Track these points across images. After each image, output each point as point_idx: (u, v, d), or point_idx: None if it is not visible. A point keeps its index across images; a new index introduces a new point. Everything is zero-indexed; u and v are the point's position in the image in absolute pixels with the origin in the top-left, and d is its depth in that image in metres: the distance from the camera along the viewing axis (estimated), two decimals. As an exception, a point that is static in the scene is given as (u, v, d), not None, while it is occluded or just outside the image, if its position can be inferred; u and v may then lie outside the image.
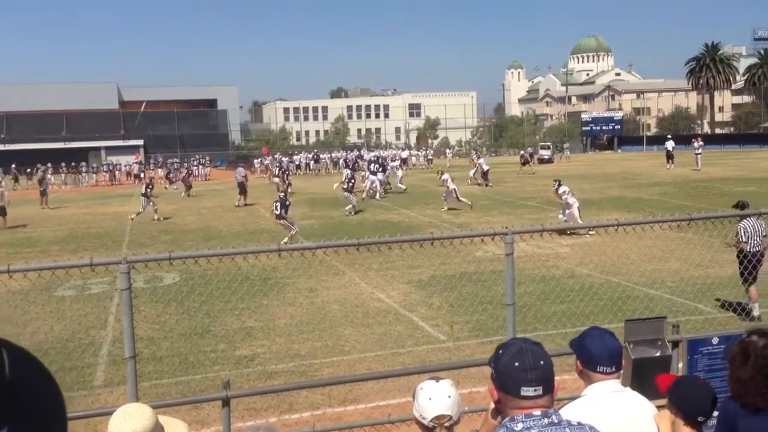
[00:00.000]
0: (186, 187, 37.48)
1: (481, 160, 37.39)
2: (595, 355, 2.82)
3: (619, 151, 71.02)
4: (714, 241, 12.32)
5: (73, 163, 57.73)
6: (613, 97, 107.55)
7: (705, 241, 10.76)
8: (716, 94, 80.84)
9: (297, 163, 57.98)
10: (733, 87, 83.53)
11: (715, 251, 11.01)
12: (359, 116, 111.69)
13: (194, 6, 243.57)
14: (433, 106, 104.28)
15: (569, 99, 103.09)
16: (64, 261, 5.91)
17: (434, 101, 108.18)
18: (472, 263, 14.11)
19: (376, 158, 42.68)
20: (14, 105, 69.75)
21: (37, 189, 34.61)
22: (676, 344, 4.70)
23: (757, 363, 2.64)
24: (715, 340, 4.64)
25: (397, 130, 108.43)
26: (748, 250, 9.85)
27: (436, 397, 2.62)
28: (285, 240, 18.01)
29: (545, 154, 56.75)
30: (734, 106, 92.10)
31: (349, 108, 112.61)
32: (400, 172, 35.73)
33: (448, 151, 70.58)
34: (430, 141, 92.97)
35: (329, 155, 62.81)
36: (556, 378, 2.39)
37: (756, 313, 9.89)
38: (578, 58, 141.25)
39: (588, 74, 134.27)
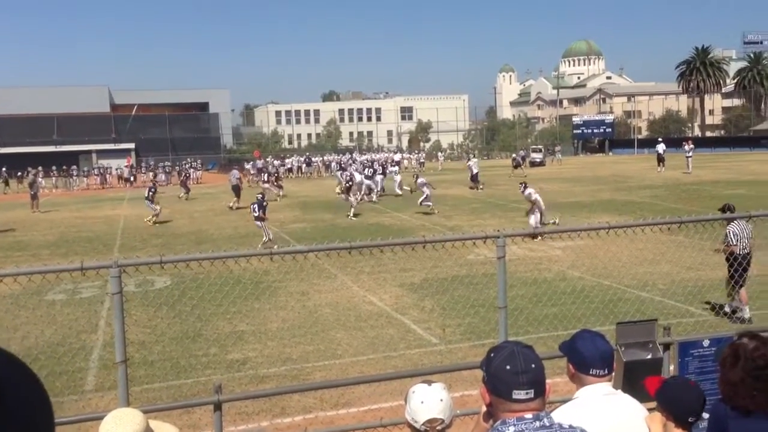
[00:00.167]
0: (185, 189, 37.52)
1: (471, 163, 37.48)
2: (588, 357, 2.82)
3: (611, 154, 71.30)
4: (705, 244, 12.39)
5: (64, 167, 57.48)
6: (604, 101, 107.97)
7: (696, 243, 10.81)
8: (707, 97, 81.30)
9: (289, 166, 57.97)
10: (724, 90, 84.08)
11: (705, 254, 11.07)
12: (351, 119, 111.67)
13: (186, 10, 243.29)
14: (425, 109, 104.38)
15: (560, 102, 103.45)
16: (55, 265, 5.90)
17: (426, 104, 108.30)
18: (464, 266, 14.12)
19: (370, 162, 42.72)
20: (5, 108, 69.40)
21: (28, 193, 34.45)
22: (667, 347, 4.72)
23: (747, 365, 2.65)
24: (705, 343, 4.66)
25: (389, 133, 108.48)
26: (738, 252, 9.91)
27: (428, 401, 2.62)
28: (261, 245, 17.92)
29: (537, 157, 56.90)
30: (724, 110, 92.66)
31: (341, 111, 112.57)
32: (398, 177, 35.78)
33: (440, 154, 70.69)
34: (422, 144, 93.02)
35: (321, 158, 62.82)
36: (548, 381, 2.39)
37: (746, 315, 9.94)
38: (569, 62, 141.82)
39: (579, 77, 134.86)
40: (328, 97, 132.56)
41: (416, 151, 71.36)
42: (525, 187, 20.29)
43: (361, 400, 7.57)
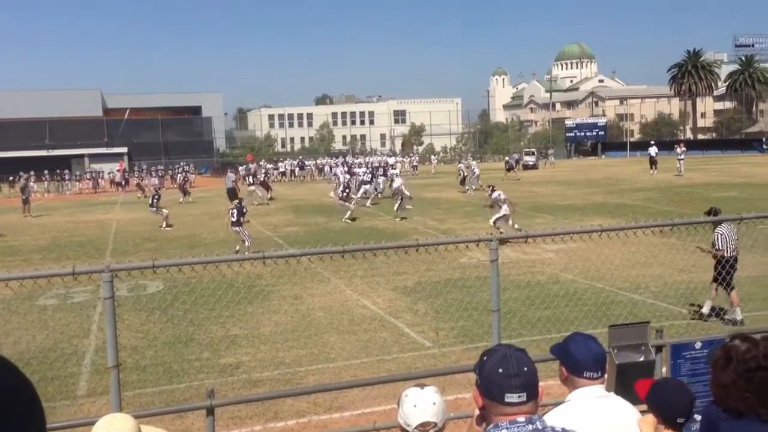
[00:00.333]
0: (184, 193, 37.54)
1: (461, 165, 37.60)
2: (581, 360, 2.83)
3: (603, 156, 71.52)
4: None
5: (58, 170, 57.35)
6: (596, 104, 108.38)
7: (688, 246, 10.85)
8: (698, 100, 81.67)
9: (282, 170, 58.01)
10: (715, 93, 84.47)
11: (698, 256, 11.09)
12: (344, 123, 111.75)
13: (179, 13, 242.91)
14: (418, 113, 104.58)
15: (553, 105, 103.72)
16: (46, 270, 5.87)
17: (419, 108, 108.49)
18: (457, 270, 14.13)
19: (371, 165, 43.03)
20: (-3, 112, 69.22)
21: (20, 197, 34.32)
22: (659, 349, 4.73)
23: (739, 367, 2.65)
24: (698, 345, 4.67)
25: (382, 136, 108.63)
26: (727, 255, 9.96)
27: (421, 404, 2.62)
28: (237, 248, 17.84)
29: (530, 160, 57.08)
30: (716, 112, 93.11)
31: (334, 115, 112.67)
32: (398, 180, 35.78)
33: (433, 157, 70.80)
34: (415, 147, 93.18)
35: (314, 162, 62.85)
36: (542, 383, 2.39)
37: (738, 317, 9.97)
38: (562, 65, 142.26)
39: (572, 81, 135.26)
40: (321, 100, 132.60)
41: (409, 155, 71.46)
42: (493, 190, 20.62)
43: (354, 403, 7.55)
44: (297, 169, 57.91)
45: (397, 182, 35.06)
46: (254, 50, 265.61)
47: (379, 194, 33.34)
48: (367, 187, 31.98)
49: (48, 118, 70.81)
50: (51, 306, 13.03)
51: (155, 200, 26.33)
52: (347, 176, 35.86)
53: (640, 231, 6.25)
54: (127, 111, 77.87)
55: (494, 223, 19.13)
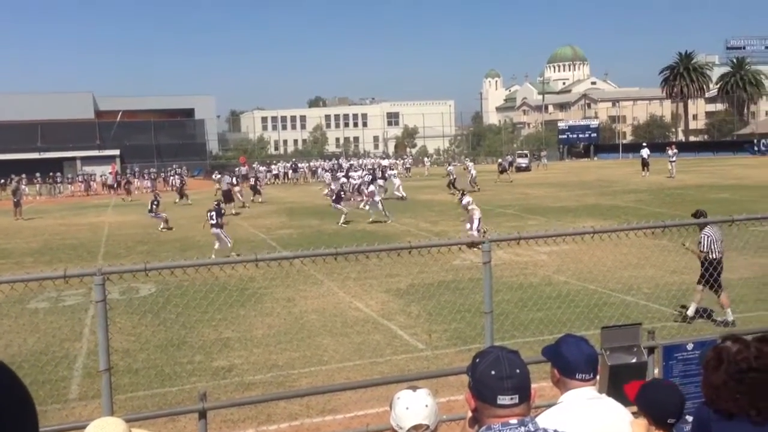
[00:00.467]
0: (180, 196, 37.51)
1: (450, 168, 37.65)
2: (573, 362, 2.83)
3: (596, 158, 71.70)
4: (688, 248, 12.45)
5: (51, 173, 57.15)
6: (589, 106, 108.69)
7: (680, 247, 10.88)
8: (690, 102, 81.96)
9: (275, 172, 57.99)
10: (707, 95, 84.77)
11: (689, 258, 11.13)
12: (337, 125, 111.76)
13: (171, 16, 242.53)
14: (411, 115, 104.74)
15: (546, 107, 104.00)
16: (38, 273, 5.84)
17: (412, 110, 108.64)
18: (450, 272, 14.14)
19: (371, 168, 43.27)
20: (-12, 115, 68.88)
21: (11, 200, 34.17)
22: (651, 350, 4.73)
23: (730, 368, 2.66)
24: (690, 346, 4.68)
25: (376, 138, 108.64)
26: (713, 257, 10.01)
27: (413, 407, 2.62)
28: (212, 254, 17.73)
29: (523, 162, 57.23)
30: (708, 114, 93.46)
31: (327, 117, 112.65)
32: (397, 180, 35.88)
33: (426, 159, 70.88)
34: (408, 149, 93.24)
35: (307, 164, 62.83)
36: (534, 385, 2.40)
37: (730, 318, 10.01)
38: (554, 67, 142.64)
39: (564, 83, 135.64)
40: (315, 103, 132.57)
41: (402, 157, 71.53)
42: (462, 196, 20.80)
43: (347, 406, 7.54)
44: (290, 171, 57.90)
45: (396, 182, 35.28)
46: (247, 52, 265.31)
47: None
48: (372, 188, 32.06)
49: (40, 120, 70.47)
50: (42, 309, 12.98)
51: (155, 206, 26.10)
52: (338, 181, 35.93)
53: (632, 233, 6.27)
54: (120, 113, 77.60)
55: (477, 231, 18.94)
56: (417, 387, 2.74)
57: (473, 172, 37.98)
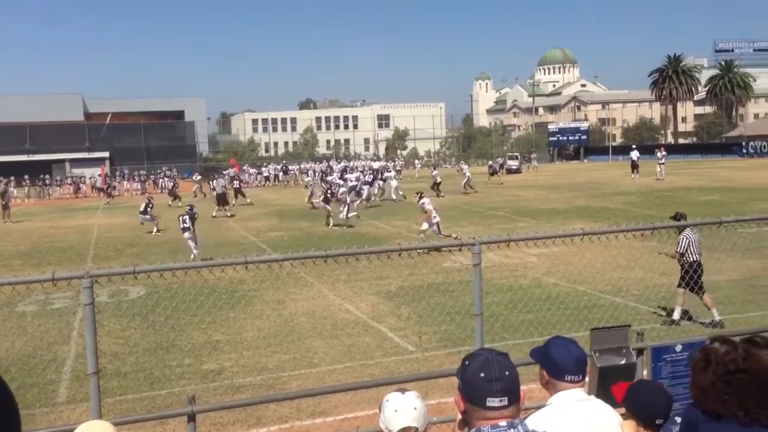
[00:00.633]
0: (173, 197, 37.42)
1: (435, 172, 37.71)
2: (562, 364, 2.83)
3: (586, 161, 71.97)
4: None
5: (40, 176, 56.86)
6: (579, 108, 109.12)
7: (668, 249, 10.93)
8: (679, 104, 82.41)
9: (266, 174, 57.92)
10: (695, 98, 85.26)
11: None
12: (328, 127, 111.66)
13: (161, 17, 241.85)
14: (402, 117, 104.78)
15: (536, 110, 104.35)
16: (25, 276, 5.79)
17: (403, 112, 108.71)
18: (441, 274, 14.15)
19: (371, 170, 43.58)
20: (-24, 117, 68.40)
21: (-1, 202, 33.96)
22: (640, 352, 4.75)
23: (718, 369, 2.66)
24: (678, 348, 4.70)
25: (366, 141, 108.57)
26: (692, 259, 10.06)
27: (402, 409, 2.61)
28: (192, 256, 17.60)
29: (513, 164, 57.42)
30: (696, 117, 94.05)
31: (318, 119, 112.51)
32: (394, 182, 35.94)
33: (416, 161, 70.93)
34: (399, 152, 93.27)
35: (298, 167, 62.77)
36: (524, 387, 2.40)
37: (717, 318, 10.05)
38: (545, 70, 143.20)
39: (554, 85, 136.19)
40: (305, 105, 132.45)
41: (393, 160, 71.55)
42: (420, 197, 20.95)
43: (337, 408, 7.53)
44: (281, 173, 57.82)
45: (394, 184, 35.37)
46: (238, 54, 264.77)
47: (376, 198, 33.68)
48: (369, 188, 32.75)
49: (28, 122, 70.04)
50: (30, 312, 12.90)
51: (149, 208, 25.89)
52: (325, 184, 36.26)
53: (622, 234, 6.29)
54: (109, 115, 77.21)
55: (438, 231, 19.11)
56: (406, 389, 2.73)
57: (468, 174, 38.07)
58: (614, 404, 3.01)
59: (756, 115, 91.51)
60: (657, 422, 2.94)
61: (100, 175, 57.98)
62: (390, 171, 43.45)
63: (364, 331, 10.87)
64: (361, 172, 41.89)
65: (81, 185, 56.79)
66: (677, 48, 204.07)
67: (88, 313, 4.53)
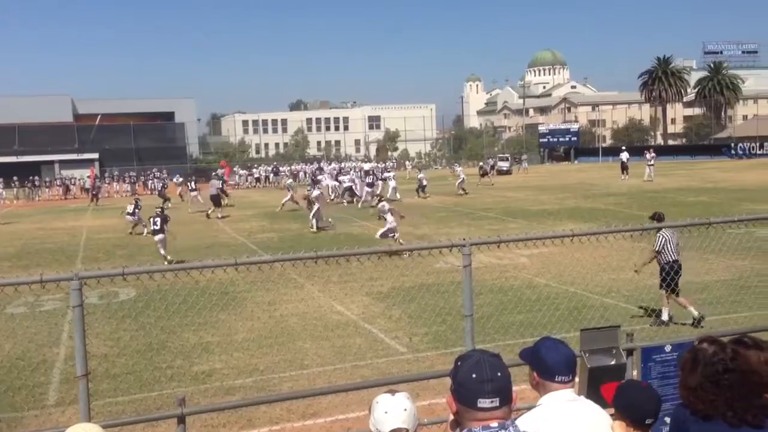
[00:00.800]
0: (164, 199, 37.26)
1: (421, 175, 37.75)
2: (552, 365, 2.84)
3: (576, 162, 72.20)
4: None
5: (29, 177, 56.53)
6: (569, 110, 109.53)
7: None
8: (668, 106, 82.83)
9: (257, 175, 57.84)
10: (685, 99, 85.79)
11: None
12: (319, 129, 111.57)
13: (150, 18, 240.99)
14: (393, 119, 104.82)
15: (527, 111, 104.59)
16: (14, 278, 5.76)
17: (394, 113, 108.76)
18: (432, 275, 14.15)
19: (372, 171, 43.84)
20: (-36, 118, 67.93)
21: (-12, 204, 33.78)
22: (630, 352, 4.76)
23: (706, 370, 2.68)
24: (668, 348, 4.72)
25: (357, 142, 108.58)
26: (671, 259, 10.11)
27: (392, 411, 2.61)
28: (168, 259, 17.48)
29: (504, 165, 57.56)
30: (686, 118, 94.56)
31: (309, 120, 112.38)
32: (393, 183, 35.96)
33: (407, 163, 70.99)
34: (389, 153, 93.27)
35: (289, 168, 62.70)
36: (516, 388, 2.40)
37: (696, 314, 10.11)
38: (535, 71, 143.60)
39: (544, 87, 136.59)
40: (296, 106, 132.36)
41: (385, 161, 71.61)
42: (379, 201, 21.21)
43: (328, 410, 7.52)
44: (271, 175, 57.76)
45: (392, 184, 35.41)
46: (228, 56, 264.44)
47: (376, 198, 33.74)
48: (369, 189, 32.98)
49: (17, 123, 69.61)
50: (19, 314, 12.81)
51: (137, 210, 25.72)
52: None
53: (612, 235, 6.31)
54: (98, 117, 76.74)
55: (380, 236, 18.74)
56: (396, 391, 2.73)
57: (462, 176, 38.14)
58: (604, 405, 3.02)
59: (744, 117, 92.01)
60: (646, 422, 2.95)
61: (89, 177, 57.70)
62: (390, 171, 43.49)
63: (355, 332, 10.87)
64: (353, 173, 42.05)
65: (71, 187, 56.49)
66: (666, 50, 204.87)
67: (77, 315, 4.51)
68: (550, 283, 13.38)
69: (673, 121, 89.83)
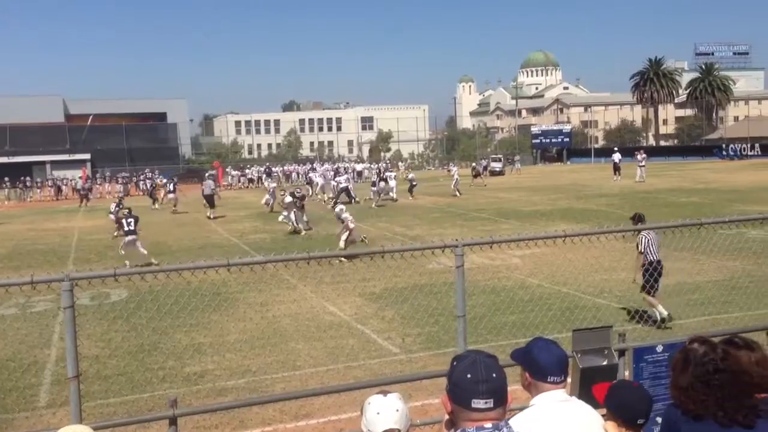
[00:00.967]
0: (153, 200, 37.17)
1: (411, 176, 37.83)
2: (545, 365, 2.84)
3: (568, 163, 72.38)
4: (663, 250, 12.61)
5: (20, 178, 56.28)
6: (561, 111, 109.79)
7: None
8: (660, 107, 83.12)
9: (249, 176, 57.77)
10: (676, 100, 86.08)
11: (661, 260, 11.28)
12: (311, 129, 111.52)
13: (143, 18, 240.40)
14: (386, 119, 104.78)
15: (519, 112, 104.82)
16: (4, 279, 5.73)
17: (387, 114, 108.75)
18: (425, 275, 14.16)
19: (377, 170, 44.37)
20: (-45, 119, 67.60)
21: (-22, 205, 33.61)
22: (622, 353, 4.78)
23: (697, 370, 2.69)
24: (659, 348, 4.73)
25: (350, 143, 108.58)
26: (653, 259, 10.16)
27: (384, 411, 2.61)
28: (155, 261, 17.29)
29: (496, 166, 57.62)
30: (677, 119, 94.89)
31: (302, 121, 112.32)
32: (393, 182, 35.99)
33: (400, 164, 71.06)
34: (382, 154, 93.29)
35: (281, 168, 62.64)
36: (511, 389, 2.40)
37: (664, 312, 10.17)
38: (527, 72, 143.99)
39: (537, 88, 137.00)
40: (289, 107, 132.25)
41: (375, 163, 71.64)
42: (335, 205, 21.43)
43: (321, 411, 7.51)
44: (264, 175, 57.69)
45: (392, 184, 35.50)
46: (220, 56, 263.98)
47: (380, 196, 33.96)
48: (374, 188, 34.03)
49: (8, 124, 69.29)
50: (10, 316, 12.76)
51: (118, 208, 25.74)
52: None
53: (604, 236, 6.32)
54: (90, 117, 76.53)
55: (345, 245, 17.96)
56: (388, 391, 2.73)
57: (457, 177, 38.18)
58: (595, 405, 3.03)
59: (736, 118, 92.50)
60: (638, 422, 2.96)
61: (81, 177, 57.49)
62: (391, 171, 43.54)
63: (348, 333, 10.86)
64: (379, 170, 42.79)
65: (62, 187, 56.27)
66: (658, 51, 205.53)
67: (68, 316, 4.48)
68: (543, 284, 13.40)
69: (665, 122, 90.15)
